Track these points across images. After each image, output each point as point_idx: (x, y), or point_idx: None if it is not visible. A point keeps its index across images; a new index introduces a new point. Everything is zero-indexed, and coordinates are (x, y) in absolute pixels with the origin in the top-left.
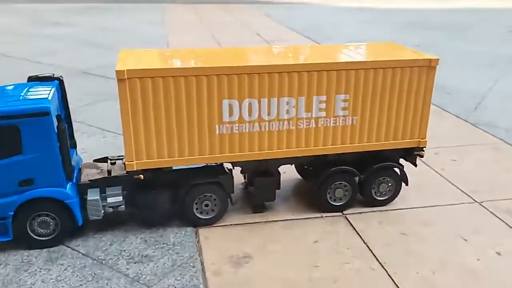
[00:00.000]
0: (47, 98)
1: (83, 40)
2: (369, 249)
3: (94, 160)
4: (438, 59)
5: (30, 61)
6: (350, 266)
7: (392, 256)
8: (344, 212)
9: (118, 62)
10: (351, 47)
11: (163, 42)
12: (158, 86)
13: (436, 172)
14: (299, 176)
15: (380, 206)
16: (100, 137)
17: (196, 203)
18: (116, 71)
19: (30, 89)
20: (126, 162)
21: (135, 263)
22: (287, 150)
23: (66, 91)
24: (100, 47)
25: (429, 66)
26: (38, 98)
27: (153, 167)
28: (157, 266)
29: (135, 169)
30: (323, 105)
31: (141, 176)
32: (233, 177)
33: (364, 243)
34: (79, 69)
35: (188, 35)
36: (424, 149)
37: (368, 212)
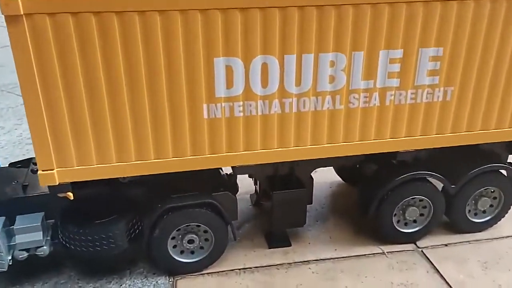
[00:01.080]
0: None
1: None
2: None
3: (10, 165)
4: None
5: None
6: None
7: None
8: (419, 245)
9: None
10: None
11: None
12: (89, 30)
13: None
14: (337, 178)
15: (476, 232)
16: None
17: (173, 238)
18: (1, 2)
19: None
20: (39, 172)
21: None
22: (329, 146)
23: None
24: None
25: None
26: None
27: (91, 179)
28: None
29: (57, 183)
30: (396, 67)
31: (70, 194)
32: (236, 193)
33: None
34: None
35: None
36: None
37: (458, 243)
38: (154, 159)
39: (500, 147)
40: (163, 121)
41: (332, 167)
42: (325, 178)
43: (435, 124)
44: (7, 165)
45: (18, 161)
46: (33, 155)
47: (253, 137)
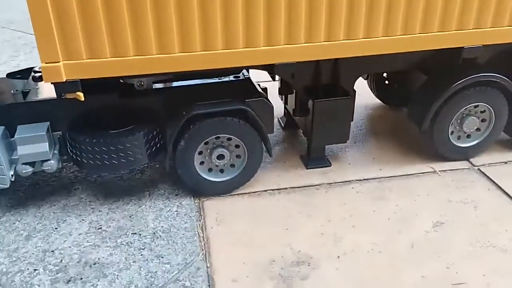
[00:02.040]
0: None
1: None
2: None
3: (8, 75)
4: None
5: None
6: None
7: None
8: (475, 162)
9: None
10: None
11: None
12: None
13: None
14: (377, 102)
15: None
16: None
17: (200, 153)
18: None
19: None
20: (43, 65)
21: (67, 283)
22: (382, 40)
23: None
24: None
25: None
26: None
27: (104, 76)
28: None
29: (64, 80)
30: None
31: (80, 94)
32: (271, 104)
33: None
34: None
35: None
36: None
37: None
38: (179, 52)
39: None
40: (189, 3)
41: (367, 89)
42: (360, 100)
43: (508, 14)
44: (5, 76)
45: (17, 71)
46: None
47: (297, 26)
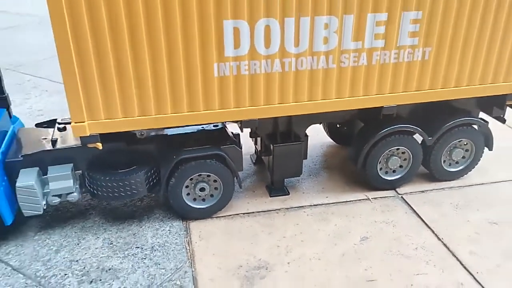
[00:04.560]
0: None
1: None
2: (449, 249)
3: (37, 125)
4: None
5: None
6: (425, 279)
7: (487, 261)
8: (399, 191)
9: None
10: None
11: None
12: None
13: None
14: (329, 141)
15: (450, 180)
16: (64, 95)
17: (186, 187)
18: None
19: None
20: (72, 124)
21: (90, 283)
22: (323, 102)
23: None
24: None
25: None
26: None
27: (117, 131)
28: None
29: (87, 135)
30: (382, 29)
31: (99, 144)
32: (241, 146)
33: (439, 240)
34: None
35: None
36: None
37: (434, 190)
38: (171, 113)
39: (472, 103)
40: (179, 79)
41: (323, 130)
42: (316, 140)
43: (415, 81)
44: (34, 125)
45: (44, 121)
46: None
47: (257, 94)
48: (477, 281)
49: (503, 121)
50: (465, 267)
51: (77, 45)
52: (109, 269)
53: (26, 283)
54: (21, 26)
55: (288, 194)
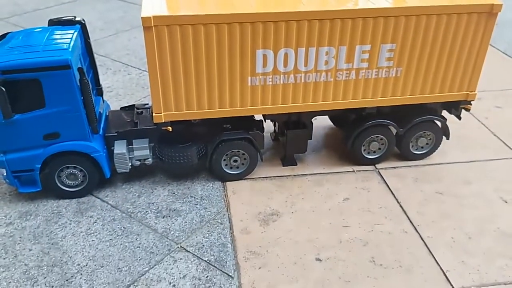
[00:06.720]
0: (68, 49)
1: None
2: (403, 209)
3: (121, 108)
4: (501, 4)
5: None
6: (382, 228)
7: (427, 219)
8: (378, 166)
9: (143, 7)
10: None
11: None
12: (187, 34)
13: (478, 121)
14: (331, 124)
15: (417, 160)
16: (125, 74)
17: (224, 159)
18: (142, 17)
19: (51, 36)
20: (154, 114)
21: (163, 217)
22: (323, 103)
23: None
24: None
25: (490, 12)
26: (58, 50)
27: (181, 119)
28: (185, 222)
29: (163, 121)
30: (366, 56)
31: (169, 128)
32: (263, 132)
33: (398, 202)
34: None
35: None
36: (472, 102)
37: (403, 167)
38: (218, 108)
39: (438, 105)
40: (224, 86)
41: (327, 116)
42: (321, 124)
43: (390, 90)
44: (119, 108)
45: (126, 106)
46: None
47: (276, 97)
48: (416, 230)
49: (459, 118)
50: (410, 221)
51: (161, 70)
52: (174, 210)
53: (122, 215)
54: (77, 2)
55: (296, 165)
